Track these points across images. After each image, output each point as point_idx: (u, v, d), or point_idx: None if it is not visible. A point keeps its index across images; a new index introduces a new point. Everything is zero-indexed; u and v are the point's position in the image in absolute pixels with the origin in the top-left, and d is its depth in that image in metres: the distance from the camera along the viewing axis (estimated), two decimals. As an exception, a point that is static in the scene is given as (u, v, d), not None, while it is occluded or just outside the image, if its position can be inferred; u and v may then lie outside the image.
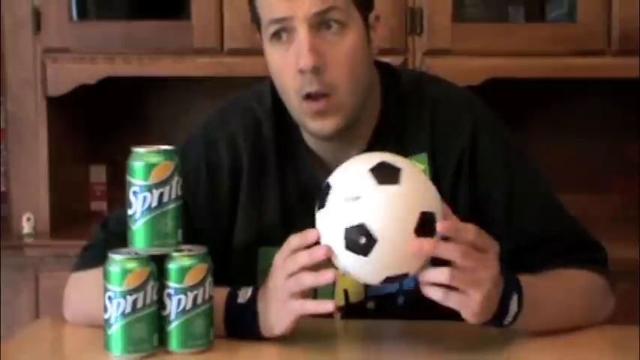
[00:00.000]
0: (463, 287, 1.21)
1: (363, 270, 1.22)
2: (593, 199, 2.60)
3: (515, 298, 1.28)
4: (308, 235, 1.25)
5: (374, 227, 1.18)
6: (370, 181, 1.20)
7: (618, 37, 2.30)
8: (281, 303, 1.28)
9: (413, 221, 1.18)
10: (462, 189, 1.42)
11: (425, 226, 1.18)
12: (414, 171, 1.24)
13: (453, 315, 1.32)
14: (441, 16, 2.33)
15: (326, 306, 1.27)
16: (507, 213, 1.42)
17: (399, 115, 1.44)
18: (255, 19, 1.40)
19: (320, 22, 1.33)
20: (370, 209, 1.18)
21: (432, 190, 1.23)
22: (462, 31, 2.34)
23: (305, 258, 1.26)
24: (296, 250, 1.27)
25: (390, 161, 1.22)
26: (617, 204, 2.61)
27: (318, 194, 1.25)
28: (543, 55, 2.32)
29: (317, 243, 1.25)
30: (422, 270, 1.21)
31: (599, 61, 2.32)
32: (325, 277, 1.25)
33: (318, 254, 1.24)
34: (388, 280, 1.22)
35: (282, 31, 1.34)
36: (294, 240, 1.28)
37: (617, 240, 2.34)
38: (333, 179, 1.24)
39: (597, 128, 2.64)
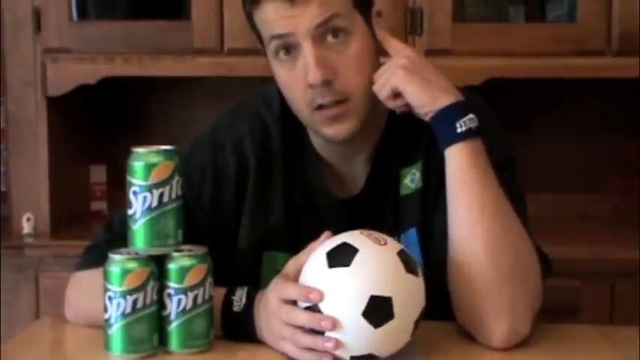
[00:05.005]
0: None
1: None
2: (593, 199, 2.60)
3: (473, 117, 1.28)
4: (310, 295, 1.17)
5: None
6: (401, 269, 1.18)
7: (618, 37, 2.30)
8: (276, 339, 1.24)
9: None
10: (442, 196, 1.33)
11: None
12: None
13: (452, 315, 1.32)
14: (441, 16, 2.32)
15: None
16: None
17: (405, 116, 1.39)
18: (256, 33, 1.37)
19: (324, 32, 1.31)
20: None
21: None
22: (462, 31, 2.34)
23: (304, 320, 1.19)
24: (292, 301, 1.20)
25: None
26: (617, 204, 2.61)
27: (337, 250, 1.18)
28: (543, 55, 2.32)
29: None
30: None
31: (599, 61, 2.32)
32: (326, 344, 1.17)
33: (323, 325, 1.16)
34: None
35: (286, 46, 1.32)
36: (292, 291, 1.20)
37: (616, 240, 2.36)
38: (358, 243, 1.18)
39: (597, 128, 2.64)
